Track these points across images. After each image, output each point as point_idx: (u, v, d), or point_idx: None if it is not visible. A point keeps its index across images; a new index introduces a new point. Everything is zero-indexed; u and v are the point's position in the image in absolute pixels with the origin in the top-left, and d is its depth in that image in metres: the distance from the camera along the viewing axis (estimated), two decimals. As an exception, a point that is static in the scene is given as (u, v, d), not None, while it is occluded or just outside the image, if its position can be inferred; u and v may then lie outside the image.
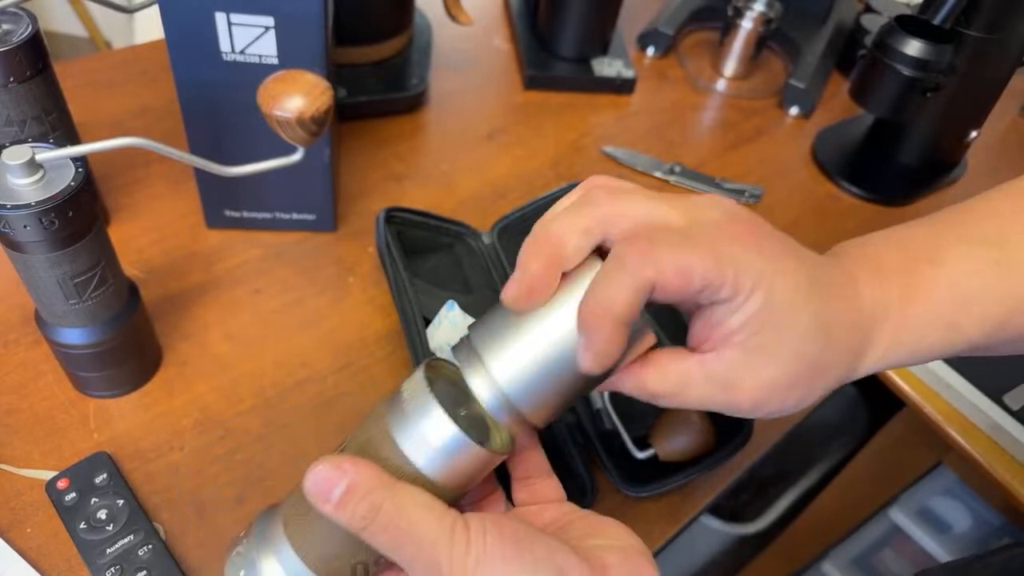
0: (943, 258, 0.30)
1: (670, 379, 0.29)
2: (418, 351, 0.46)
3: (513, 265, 0.47)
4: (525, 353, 0.28)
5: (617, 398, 0.47)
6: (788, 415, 0.30)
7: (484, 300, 0.53)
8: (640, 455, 0.45)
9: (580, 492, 0.44)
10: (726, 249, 0.26)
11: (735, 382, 0.28)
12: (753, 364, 0.28)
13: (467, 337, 0.30)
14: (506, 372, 0.28)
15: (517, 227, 0.56)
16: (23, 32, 0.42)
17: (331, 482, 0.26)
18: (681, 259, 0.26)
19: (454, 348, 0.30)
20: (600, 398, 0.47)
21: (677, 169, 0.69)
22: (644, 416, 0.46)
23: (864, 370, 0.30)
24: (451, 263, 0.56)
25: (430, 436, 0.27)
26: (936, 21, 0.60)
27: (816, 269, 0.29)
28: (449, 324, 0.50)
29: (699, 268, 0.26)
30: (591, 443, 0.45)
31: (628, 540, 0.28)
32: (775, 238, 0.29)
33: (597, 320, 0.26)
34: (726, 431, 0.46)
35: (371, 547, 0.27)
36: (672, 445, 0.44)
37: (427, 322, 0.50)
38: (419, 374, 0.28)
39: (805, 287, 0.28)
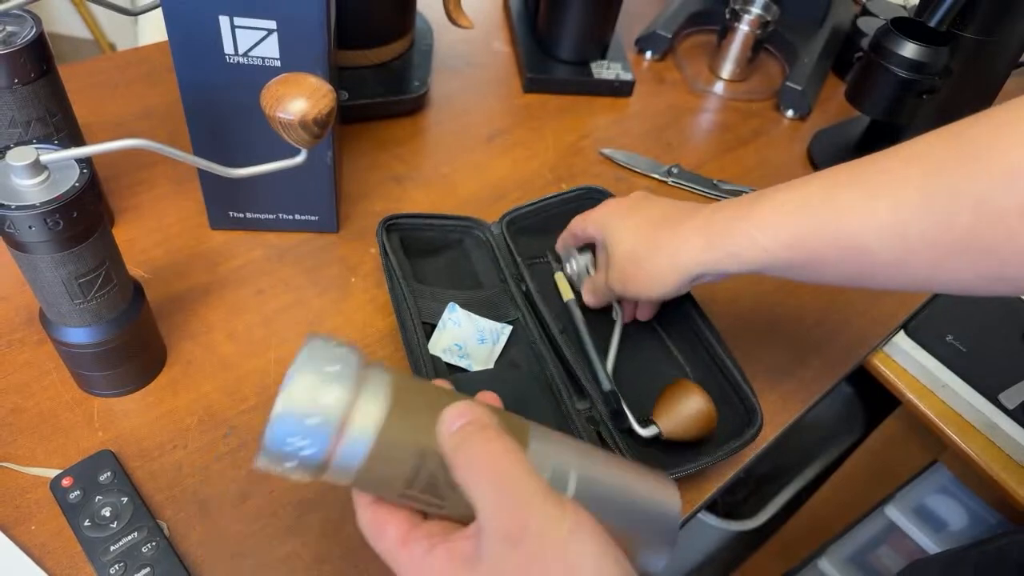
0: (756, 200, 0.42)
1: (595, 279, 0.52)
2: (418, 362, 0.46)
3: (522, 254, 0.55)
4: None
5: (620, 388, 0.47)
6: (652, 296, 0.46)
7: (495, 294, 0.53)
8: (643, 432, 0.45)
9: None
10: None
11: (606, 271, 0.49)
12: (609, 261, 0.48)
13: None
14: None
15: (525, 221, 0.57)
16: (27, 34, 0.43)
17: (462, 414, 0.28)
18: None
19: None
20: (608, 381, 0.47)
21: (675, 171, 0.69)
22: (648, 403, 0.46)
23: (685, 263, 0.43)
24: (461, 259, 0.56)
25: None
26: (932, 23, 0.60)
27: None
28: (453, 325, 0.50)
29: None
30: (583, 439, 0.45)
31: None
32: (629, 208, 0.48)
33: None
34: (735, 425, 0.46)
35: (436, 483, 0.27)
36: (674, 422, 0.45)
37: (433, 327, 0.50)
38: None
39: (630, 225, 0.47)
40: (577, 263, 0.53)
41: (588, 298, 0.52)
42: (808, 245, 0.39)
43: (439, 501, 0.29)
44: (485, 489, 0.26)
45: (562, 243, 0.54)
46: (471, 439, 0.27)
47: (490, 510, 0.26)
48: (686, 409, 0.45)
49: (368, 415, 0.27)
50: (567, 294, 0.53)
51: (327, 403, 0.26)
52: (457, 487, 0.27)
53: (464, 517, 0.29)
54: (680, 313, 0.52)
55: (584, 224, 0.50)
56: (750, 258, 0.41)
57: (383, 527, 0.29)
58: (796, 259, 0.39)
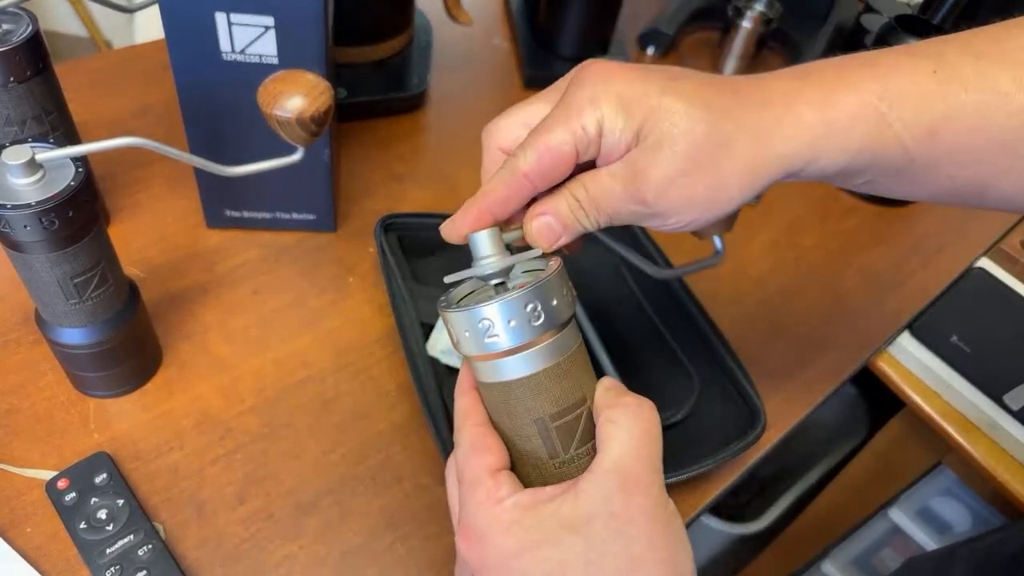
0: (878, 62, 0.29)
1: (588, 187, 0.30)
2: (416, 363, 0.46)
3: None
4: None
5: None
6: (714, 217, 0.30)
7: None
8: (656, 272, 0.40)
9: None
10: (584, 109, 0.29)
11: (637, 172, 0.29)
12: (648, 153, 0.28)
13: None
14: None
15: None
16: (23, 32, 0.42)
17: (619, 384, 0.31)
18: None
19: None
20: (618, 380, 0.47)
21: (677, 169, 0.69)
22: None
23: (786, 149, 0.29)
24: (461, 259, 0.56)
25: None
26: (936, 21, 0.60)
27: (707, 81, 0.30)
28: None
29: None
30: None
31: None
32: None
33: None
34: (739, 426, 0.46)
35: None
36: None
37: (431, 327, 0.50)
38: None
39: (685, 90, 0.29)
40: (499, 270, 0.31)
41: (556, 230, 0.31)
42: (951, 133, 0.29)
43: (559, 448, 0.30)
44: (625, 437, 0.28)
45: (488, 217, 0.31)
46: (632, 399, 0.29)
47: (621, 452, 0.27)
48: None
49: (567, 338, 0.30)
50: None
51: (554, 307, 0.29)
52: (585, 445, 0.29)
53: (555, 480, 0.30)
54: (683, 314, 0.52)
55: (571, 111, 0.29)
56: (870, 147, 0.29)
57: (485, 451, 0.29)
58: (929, 153, 0.29)
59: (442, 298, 0.32)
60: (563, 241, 0.31)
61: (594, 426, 0.30)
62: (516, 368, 0.29)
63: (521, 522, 0.27)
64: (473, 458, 0.29)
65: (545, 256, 0.31)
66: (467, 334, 0.29)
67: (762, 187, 0.30)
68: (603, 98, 0.28)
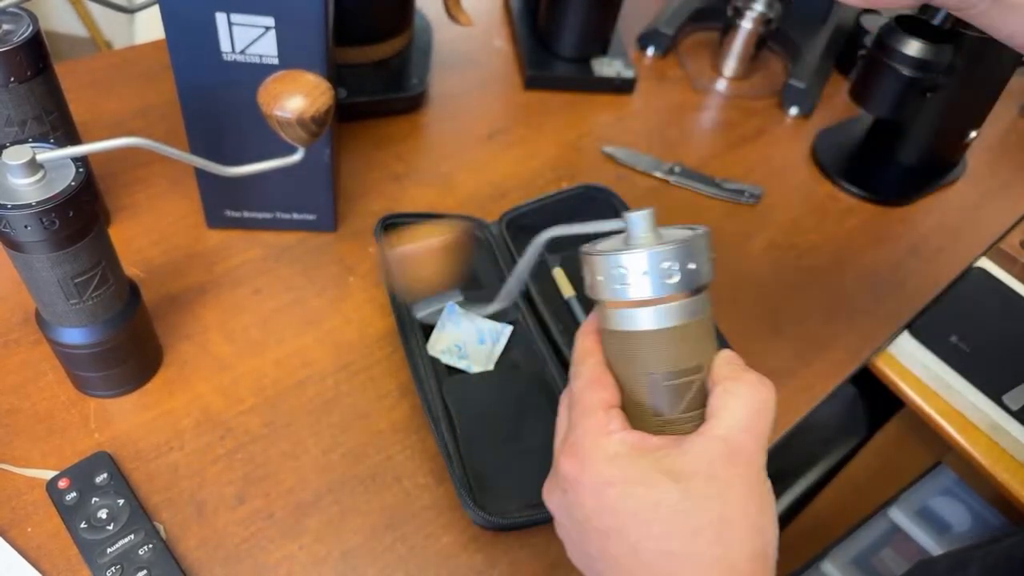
0: None
1: None
2: (417, 363, 0.46)
3: (522, 253, 0.48)
4: None
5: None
6: None
7: (494, 293, 0.53)
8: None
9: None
10: None
11: None
12: None
13: None
14: None
15: (525, 220, 0.56)
16: (24, 32, 0.42)
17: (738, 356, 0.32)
18: None
19: None
20: None
21: (677, 169, 0.69)
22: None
23: None
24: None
25: None
26: (936, 21, 0.60)
27: None
28: (452, 326, 0.50)
29: None
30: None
31: None
32: None
33: None
34: None
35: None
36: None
37: (431, 327, 0.50)
38: None
39: None
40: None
41: None
42: None
43: (664, 406, 0.31)
44: (740, 410, 0.29)
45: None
46: (755, 376, 0.30)
47: (733, 423, 0.29)
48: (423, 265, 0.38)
49: (698, 303, 0.31)
50: (567, 291, 0.53)
51: (692, 270, 0.30)
52: (692, 412, 0.31)
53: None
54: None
55: None
56: None
57: (601, 387, 0.32)
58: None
59: (584, 247, 0.33)
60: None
61: (706, 396, 0.31)
62: (643, 320, 0.30)
63: (625, 456, 0.29)
64: (589, 390, 0.32)
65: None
66: (604, 279, 0.30)
67: None
68: None
